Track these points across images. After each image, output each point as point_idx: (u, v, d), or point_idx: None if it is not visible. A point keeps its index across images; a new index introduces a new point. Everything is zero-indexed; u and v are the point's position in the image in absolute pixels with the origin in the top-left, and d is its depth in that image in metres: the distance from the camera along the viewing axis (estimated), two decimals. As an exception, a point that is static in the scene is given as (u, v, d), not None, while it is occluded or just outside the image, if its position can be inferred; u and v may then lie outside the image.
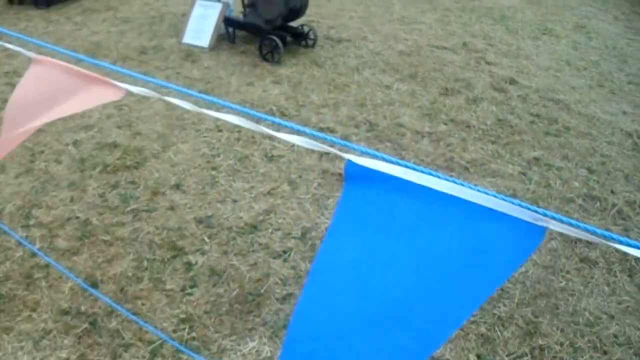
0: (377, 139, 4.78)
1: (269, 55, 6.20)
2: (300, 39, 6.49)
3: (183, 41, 6.51)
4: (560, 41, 7.42)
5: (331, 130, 4.82)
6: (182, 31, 6.60)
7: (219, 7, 6.39)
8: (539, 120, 5.28)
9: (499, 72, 6.21)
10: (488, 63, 6.45)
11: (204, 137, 4.65)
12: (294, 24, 6.53)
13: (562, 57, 6.85)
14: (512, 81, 6.03)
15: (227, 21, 6.49)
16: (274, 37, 6.11)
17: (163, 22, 7.13)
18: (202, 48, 6.45)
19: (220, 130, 4.76)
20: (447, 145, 4.73)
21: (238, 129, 4.73)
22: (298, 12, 6.24)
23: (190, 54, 6.27)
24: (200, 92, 5.29)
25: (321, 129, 4.81)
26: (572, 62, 6.74)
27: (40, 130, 4.54)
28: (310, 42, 6.58)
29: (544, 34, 7.67)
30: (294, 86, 5.64)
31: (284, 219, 3.78)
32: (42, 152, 4.37)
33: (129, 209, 3.81)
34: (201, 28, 6.46)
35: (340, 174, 4.20)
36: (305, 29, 6.58)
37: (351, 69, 6.14)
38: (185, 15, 6.93)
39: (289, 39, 6.22)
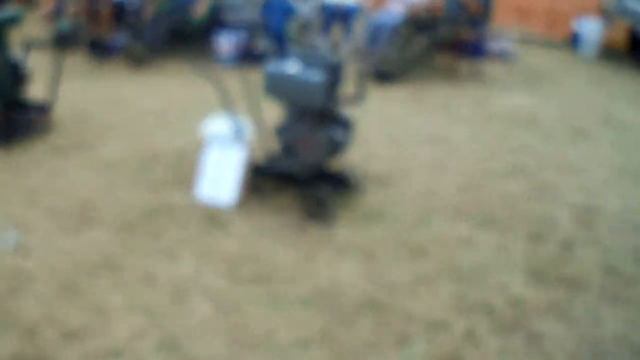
0: (504, 328, 3.86)
1: (317, 212, 4.89)
2: (341, 184, 5.21)
3: (199, 195, 5.02)
4: (599, 143, 6.95)
5: (450, 325, 3.83)
6: (194, 182, 5.24)
7: (242, 151, 4.87)
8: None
9: (569, 198, 5.55)
10: (552, 187, 5.73)
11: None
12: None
13: (612, 163, 6.43)
14: (589, 210, 5.34)
15: (254, 168, 5.10)
16: (322, 191, 4.88)
17: (158, 165, 5.72)
18: (224, 204, 5.01)
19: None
20: (577, 319, 3.98)
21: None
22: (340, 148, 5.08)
23: (214, 215, 4.91)
24: (251, 281, 4.20)
25: (436, 324, 3.85)
26: (624, 167, 6.35)
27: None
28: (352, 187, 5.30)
29: (576, 135, 7.13)
30: (366, 258, 4.48)
31: None
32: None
33: None
34: (220, 178, 5.11)
35: None
36: (345, 171, 5.31)
37: (416, 219, 5.02)
38: (190, 160, 5.71)
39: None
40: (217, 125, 5.20)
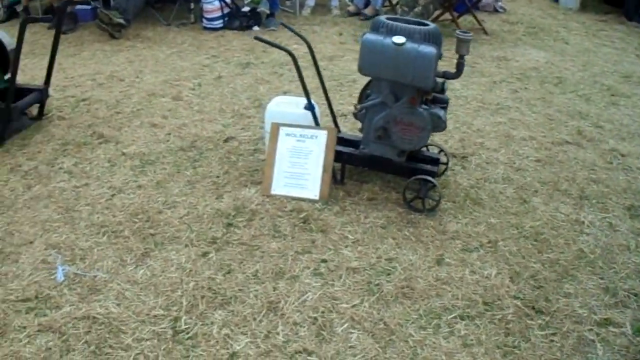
0: None
1: (418, 202, 4.24)
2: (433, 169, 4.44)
3: (274, 192, 4.19)
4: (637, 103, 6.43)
5: (622, 324, 3.31)
6: (260, 175, 4.49)
7: (323, 136, 4.02)
8: None
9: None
10: (623, 155, 5.25)
11: None
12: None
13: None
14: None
15: (337, 155, 4.27)
16: (427, 177, 4.18)
17: (204, 157, 4.87)
18: (310, 201, 4.19)
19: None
20: None
21: None
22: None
23: (307, 217, 4.12)
24: (395, 299, 3.47)
25: (604, 323, 3.30)
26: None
27: None
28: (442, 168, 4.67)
29: (612, 94, 6.67)
30: (493, 252, 3.89)
31: None
32: None
33: None
34: (299, 170, 4.24)
35: None
36: (435, 150, 4.69)
37: (516, 202, 4.46)
38: (242, 148, 5.03)
39: None
40: (285, 107, 4.48)
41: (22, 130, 5.29)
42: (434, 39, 3.93)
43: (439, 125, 4.13)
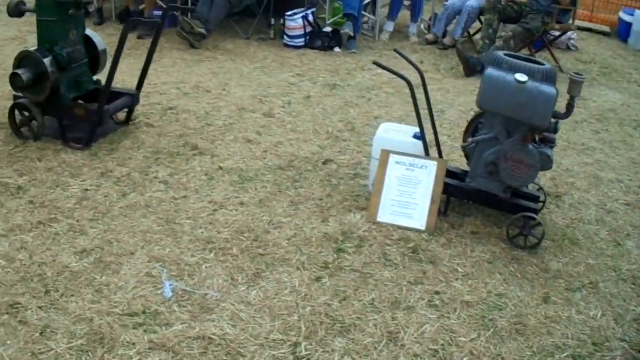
0: None
1: (520, 239, 4.21)
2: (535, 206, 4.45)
3: (380, 219, 4.15)
4: None
5: None
6: (362, 200, 4.49)
7: (433, 167, 3.99)
8: None
9: None
10: None
11: None
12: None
13: None
14: None
15: (443, 187, 4.28)
16: (532, 215, 4.16)
17: (304, 179, 4.86)
18: (416, 231, 4.19)
19: None
20: None
21: None
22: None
23: (405, 241, 4.13)
24: (509, 336, 3.44)
25: None
26: None
27: None
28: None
29: None
30: (595, 294, 3.88)
31: None
32: None
33: None
34: (407, 200, 4.24)
35: None
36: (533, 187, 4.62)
37: (611, 243, 4.46)
38: (341, 171, 5.01)
39: None
40: (395, 135, 4.48)
41: (109, 135, 5.31)
42: (552, 78, 3.92)
43: (548, 164, 4.13)
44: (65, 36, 5.08)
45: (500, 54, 4.08)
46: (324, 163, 4.89)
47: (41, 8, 5.06)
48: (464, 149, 4.35)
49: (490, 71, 3.96)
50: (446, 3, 8.63)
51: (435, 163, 4.16)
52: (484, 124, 4.17)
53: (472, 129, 4.41)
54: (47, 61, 4.94)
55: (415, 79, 4.22)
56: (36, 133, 5.19)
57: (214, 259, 3.73)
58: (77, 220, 4.04)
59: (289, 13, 8.16)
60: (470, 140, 4.20)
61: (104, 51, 5.48)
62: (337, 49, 8.10)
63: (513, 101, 3.92)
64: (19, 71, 4.90)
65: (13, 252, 3.68)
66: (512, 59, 4.01)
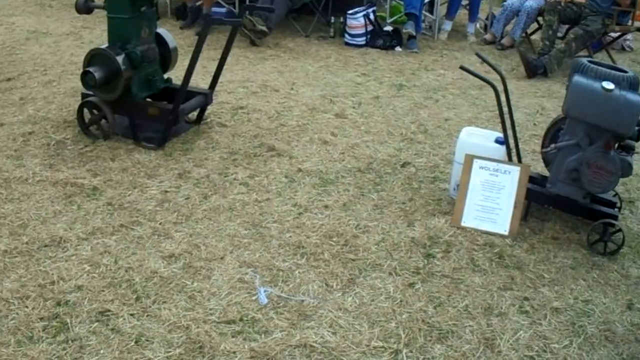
0: None
1: (599, 245, 4.25)
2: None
3: (464, 224, 4.22)
4: None
5: None
6: (443, 204, 4.56)
7: (516, 172, 4.05)
8: None
9: None
10: None
11: None
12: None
13: None
14: None
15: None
16: (612, 221, 4.21)
17: (385, 181, 4.91)
18: (499, 236, 4.25)
19: None
20: None
21: None
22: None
23: (490, 245, 4.19)
24: (600, 343, 3.45)
25: None
26: None
27: None
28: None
29: None
30: None
31: None
32: None
33: None
34: (491, 204, 4.31)
35: None
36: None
37: None
38: (420, 174, 5.03)
39: None
40: (477, 139, 4.54)
41: (181, 134, 5.36)
42: (636, 86, 4.00)
43: (628, 171, 4.19)
44: (137, 34, 5.09)
45: (584, 60, 4.12)
46: (402, 166, 4.96)
47: (112, 5, 5.04)
48: (543, 154, 4.38)
49: (577, 78, 4.01)
50: (505, 3, 8.64)
51: (519, 168, 4.22)
52: (566, 130, 4.21)
53: (552, 134, 4.43)
54: (119, 59, 4.92)
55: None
56: (106, 132, 5.18)
57: (306, 264, 3.77)
58: (160, 223, 4.08)
59: (350, 11, 8.22)
60: (552, 146, 4.23)
61: (175, 49, 5.49)
62: (398, 48, 8.16)
63: (599, 109, 3.98)
64: (91, 69, 4.86)
65: (96, 256, 3.71)
66: (597, 66, 4.04)
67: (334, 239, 4.01)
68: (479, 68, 6.78)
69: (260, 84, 6.55)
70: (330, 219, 4.26)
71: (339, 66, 7.44)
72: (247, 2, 8.08)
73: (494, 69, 4.42)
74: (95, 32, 8.71)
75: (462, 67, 4.24)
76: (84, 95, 5.24)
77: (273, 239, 3.95)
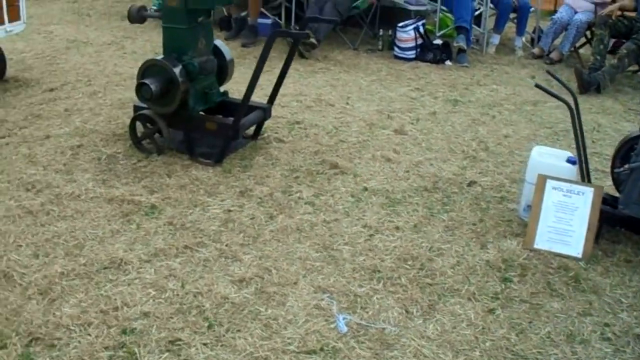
0: None
1: None
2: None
3: (537, 246, 4.23)
4: None
5: None
6: (528, 227, 4.38)
7: (590, 193, 4.01)
8: None
9: None
10: None
11: None
12: None
13: None
14: None
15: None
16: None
17: (450, 200, 4.87)
18: (572, 258, 4.19)
19: None
20: None
21: None
22: None
23: (564, 269, 4.12)
24: None
25: None
26: None
27: None
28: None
29: None
30: None
31: None
32: None
33: None
34: (564, 226, 4.26)
35: None
36: None
37: None
38: (489, 194, 4.98)
39: None
40: (549, 159, 4.49)
41: (238, 150, 5.27)
42: None
43: None
44: (194, 45, 4.91)
45: None
46: (469, 185, 4.93)
47: (169, 15, 4.87)
48: (615, 174, 4.34)
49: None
50: (554, 17, 8.60)
51: (592, 189, 4.18)
52: (638, 151, 4.16)
53: (622, 153, 4.40)
54: (176, 70, 4.75)
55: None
56: (160, 146, 5.03)
57: (383, 289, 3.66)
58: (226, 245, 3.95)
59: (400, 24, 8.18)
60: (626, 166, 4.19)
61: (231, 61, 5.40)
62: (448, 62, 8.13)
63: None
64: (147, 81, 4.70)
65: (161, 280, 3.57)
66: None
67: (409, 263, 3.93)
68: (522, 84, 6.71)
69: (314, 98, 6.51)
70: (403, 241, 4.17)
71: (391, 80, 7.42)
72: (306, 15, 8.01)
73: (566, 88, 4.38)
74: (137, 42, 8.73)
75: (537, 86, 4.22)
76: (136, 108, 5.13)
77: (346, 263, 3.85)
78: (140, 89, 4.72)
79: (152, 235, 4.00)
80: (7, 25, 6.32)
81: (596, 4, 8.30)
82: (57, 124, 5.63)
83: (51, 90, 6.49)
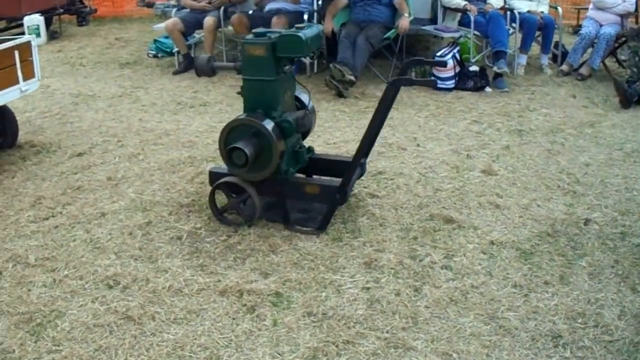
0: None
1: None
2: None
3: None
4: None
5: None
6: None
7: None
8: None
9: None
10: None
11: None
12: None
13: None
14: None
15: None
16: None
17: (577, 243, 4.83)
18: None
19: None
20: None
21: None
22: None
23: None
24: None
25: None
26: None
27: None
28: None
29: None
30: None
31: None
32: None
33: None
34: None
35: None
36: None
37: None
38: (595, 241, 4.89)
39: None
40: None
41: (336, 209, 4.72)
42: None
43: None
44: (280, 98, 4.46)
45: None
46: (585, 224, 4.96)
47: (252, 65, 4.42)
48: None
49: None
50: (581, 32, 8.73)
51: None
52: None
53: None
54: (270, 129, 4.32)
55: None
56: (249, 217, 4.63)
57: (572, 356, 3.56)
58: (388, 332, 3.64)
59: (438, 52, 8.20)
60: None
61: (313, 110, 4.87)
62: (487, 89, 8.15)
63: None
64: (239, 144, 4.23)
65: None
66: None
67: (579, 321, 3.82)
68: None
69: (381, 142, 6.16)
70: (559, 297, 4.05)
71: (445, 115, 7.41)
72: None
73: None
74: (151, 93, 8.33)
75: None
76: (214, 175, 4.69)
77: (521, 332, 3.68)
78: (232, 155, 4.26)
79: (296, 331, 3.59)
80: (22, 84, 5.82)
81: (622, 16, 8.39)
82: (106, 197, 5.17)
83: (79, 155, 6.08)
